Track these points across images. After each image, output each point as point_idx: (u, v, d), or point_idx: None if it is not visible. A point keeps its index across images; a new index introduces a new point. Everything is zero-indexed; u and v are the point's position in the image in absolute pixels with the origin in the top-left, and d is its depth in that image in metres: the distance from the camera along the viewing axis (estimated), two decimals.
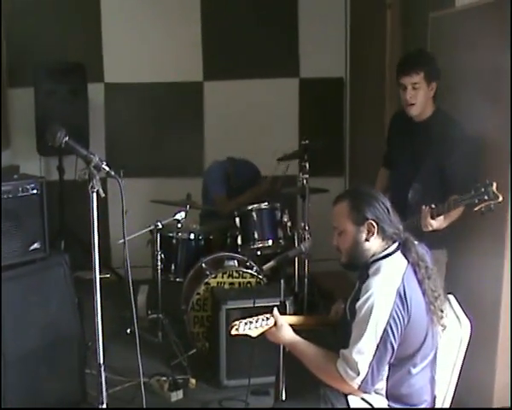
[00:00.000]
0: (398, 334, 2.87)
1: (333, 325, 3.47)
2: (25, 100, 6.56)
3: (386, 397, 3.01)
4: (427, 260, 3.05)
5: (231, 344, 4.77)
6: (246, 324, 3.13)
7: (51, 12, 6.67)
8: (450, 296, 3.23)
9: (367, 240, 3.04)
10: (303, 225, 5.45)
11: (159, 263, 5.41)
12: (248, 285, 5.16)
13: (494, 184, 3.34)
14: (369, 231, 3.03)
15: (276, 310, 3.21)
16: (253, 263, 5.35)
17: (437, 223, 3.77)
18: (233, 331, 3.11)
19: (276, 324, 3.18)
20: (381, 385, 2.98)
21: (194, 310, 5.10)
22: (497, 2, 3.96)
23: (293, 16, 7.02)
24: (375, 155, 5.98)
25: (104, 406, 2.92)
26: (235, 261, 5.29)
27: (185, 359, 5.06)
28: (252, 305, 4.69)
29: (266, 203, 5.50)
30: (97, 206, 2.95)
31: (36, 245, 4.14)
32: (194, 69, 7.00)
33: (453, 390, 3.17)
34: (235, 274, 5.14)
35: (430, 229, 3.76)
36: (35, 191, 4.12)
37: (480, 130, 4.09)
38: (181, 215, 5.41)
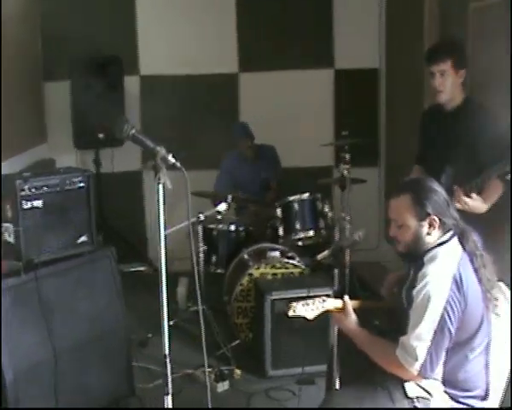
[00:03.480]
0: (455, 319, 2.88)
1: (387, 309, 3.47)
2: (60, 94, 6.59)
3: (443, 383, 3.02)
4: (482, 249, 3.05)
5: (276, 334, 4.79)
6: (303, 305, 3.14)
7: (86, 5, 6.67)
8: (501, 283, 3.22)
9: (428, 234, 3.03)
10: (343, 215, 5.44)
11: (201, 255, 5.41)
12: (291, 275, 5.16)
13: None
14: (430, 225, 3.02)
15: (347, 297, 3.21)
16: (294, 253, 5.36)
17: (474, 202, 3.81)
18: (290, 312, 3.13)
19: (345, 310, 3.18)
20: (439, 370, 2.98)
21: (237, 301, 5.12)
22: None
23: (327, 6, 7.01)
24: (413, 146, 5.98)
25: (169, 396, 2.92)
26: (278, 252, 5.30)
27: (229, 349, 5.06)
28: (296, 295, 4.75)
29: (308, 194, 5.48)
30: (163, 198, 2.87)
31: (83, 238, 4.15)
32: (230, 60, 7.02)
33: (508, 377, 3.17)
34: (277, 265, 5.15)
35: (467, 208, 3.78)
36: (82, 184, 4.13)
37: None
38: (222, 207, 5.41)
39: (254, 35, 6.96)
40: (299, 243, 5.51)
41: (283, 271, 5.15)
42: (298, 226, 5.43)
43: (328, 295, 3.35)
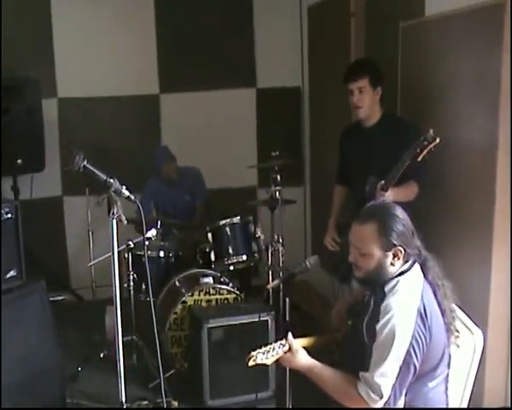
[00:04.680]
0: (420, 354, 2.82)
1: (339, 343, 3.40)
2: None
3: None
4: (445, 279, 3.02)
5: (213, 363, 4.66)
6: (264, 353, 3.00)
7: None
8: (455, 307, 3.20)
9: (392, 264, 2.97)
10: (276, 237, 5.39)
11: (131, 284, 5.25)
12: (226, 302, 5.05)
13: (431, 130, 3.68)
14: (394, 256, 2.96)
15: (290, 335, 3.08)
16: (226, 279, 5.25)
17: (390, 195, 3.93)
18: (250, 363, 2.98)
19: (290, 349, 3.05)
20: (400, 402, 2.93)
21: (171, 330, 4.97)
22: (467, 13, 4.02)
23: (248, 26, 6.94)
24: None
25: None
26: (210, 278, 5.17)
27: (164, 380, 4.90)
28: (233, 322, 4.66)
29: (239, 217, 5.39)
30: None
31: (12, 273, 3.96)
32: (150, 82, 6.85)
33: (467, 402, 3.15)
34: (212, 291, 5.02)
35: (391, 199, 3.82)
36: (9, 215, 3.94)
37: (452, 136, 4.16)
38: (152, 233, 5.25)
39: (175, 56, 6.82)
40: (231, 268, 5.41)
41: (217, 297, 5.03)
42: (231, 251, 5.33)
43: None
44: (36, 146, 6.23)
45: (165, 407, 4.54)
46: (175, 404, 4.69)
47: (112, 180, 2.79)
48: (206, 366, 4.65)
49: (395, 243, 2.93)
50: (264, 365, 3.01)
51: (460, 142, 4.18)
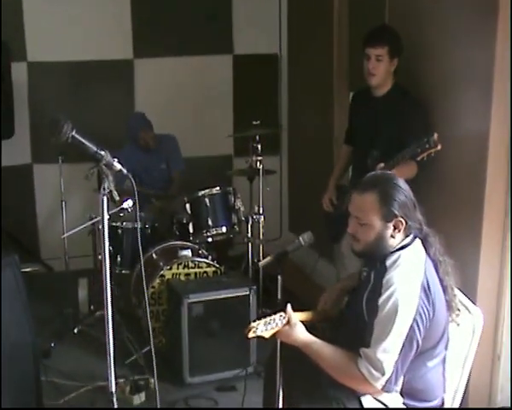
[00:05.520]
0: (423, 329, 2.73)
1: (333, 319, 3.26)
2: None
3: (401, 394, 2.86)
4: (446, 256, 2.90)
5: (192, 340, 4.52)
6: (264, 325, 2.85)
7: None
8: (457, 291, 3.08)
9: (392, 236, 2.85)
10: (257, 208, 5.24)
11: (107, 256, 5.04)
12: (205, 275, 4.89)
13: (435, 135, 3.65)
14: (395, 228, 2.84)
15: (289, 307, 2.93)
16: (205, 252, 5.10)
17: None
18: (250, 334, 2.82)
19: (289, 322, 2.90)
20: (400, 381, 2.82)
21: (149, 305, 4.80)
22: None
23: None
24: (320, 133, 5.85)
25: None
26: (189, 250, 5.00)
27: (141, 357, 4.74)
28: (214, 297, 4.52)
29: (218, 188, 5.22)
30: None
31: None
32: (124, 46, 6.58)
33: (464, 384, 3.05)
34: (190, 264, 4.86)
35: None
36: None
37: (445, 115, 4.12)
38: (128, 204, 5.02)
39: (150, 20, 6.55)
40: (209, 240, 5.25)
41: (196, 270, 4.87)
42: (210, 223, 5.16)
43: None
44: (5, 112, 5.97)
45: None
46: (152, 381, 4.54)
47: (103, 152, 2.59)
48: (186, 343, 4.51)
49: (396, 213, 2.82)
50: (262, 337, 2.87)
51: (453, 122, 4.07)
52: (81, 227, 4.81)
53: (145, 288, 2.83)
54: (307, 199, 5.01)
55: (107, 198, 2.64)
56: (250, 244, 5.39)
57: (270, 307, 5.27)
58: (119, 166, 2.61)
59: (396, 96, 4.35)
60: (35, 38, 6.35)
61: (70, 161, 5.61)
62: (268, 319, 2.87)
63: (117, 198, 2.63)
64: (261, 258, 5.34)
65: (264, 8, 6.78)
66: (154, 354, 3.17)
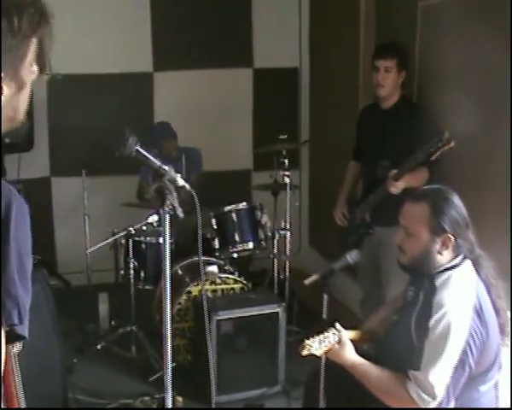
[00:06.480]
0: (476, 352, 2.64)
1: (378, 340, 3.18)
2: None
3: None
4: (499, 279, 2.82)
5: (220, 357, 4.44)
6: (319, 343, 2.77)
7: None
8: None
9: (439, 253, 2.76)
10: (283, 224, 5.17)
11: (131, 272, 4.98)
12: (231, 291, 4.81)
13: (446, 132, 3.71)
14: (443, 244, 2.75)
15: (339, 326, 2.86)
16: (230, 268, 5.01)
17: (402, 184, 4.04)
18: (304, 352, 2.75)
19: (340, 341, 2.84)
20: (451, 406, 2.73)
21: (174, 321, 4.70)
22: None
23: (246, 3, 6.66)
24: (343, 146, 5.77)
25: None
26: (215, 266, 4.91)
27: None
28: (243, 315, 4.45)
29: (245, 203, 5.13)
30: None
31: None
32: (144, 59, 6.53)
33: None
34: (217, 281, 4.78)
35: (397, 190, 4.05)
36: None
37: (467, 127, 4.07)
38: (154, 218, 4.95)
39: (170, 33, 6.50)
40: (234, 255, 5.15)
41: (223, 286, 4.80)
42: (237, 238, 5.05)
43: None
44: (25, 126, 5.91)
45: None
46: (179, 400, 4.45)
47: (166, 167, 2.50)
48: (214, 360, 4.42)
49: (446, 228, 2.74)
50: (314, 355, 2.79)
51: (480, 134, 4.01)
52: (105, 242, 4.77)
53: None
54: (328, 213, 4.94)
55: (170, 215, 2.50)
56: (276, 260, 5.29)
57: (295, 323, 5.23)
58: (182, 182, 2.53)
59: (403, 106, 4.50)
60: (54, 50, 6.23)
61: (90, 174, 5.53)
62: (322, 336, 2.80)
63: (181, 215, 2.53)
64: (287, 274, 5.24)
65: (285, 21, 6.73)
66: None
